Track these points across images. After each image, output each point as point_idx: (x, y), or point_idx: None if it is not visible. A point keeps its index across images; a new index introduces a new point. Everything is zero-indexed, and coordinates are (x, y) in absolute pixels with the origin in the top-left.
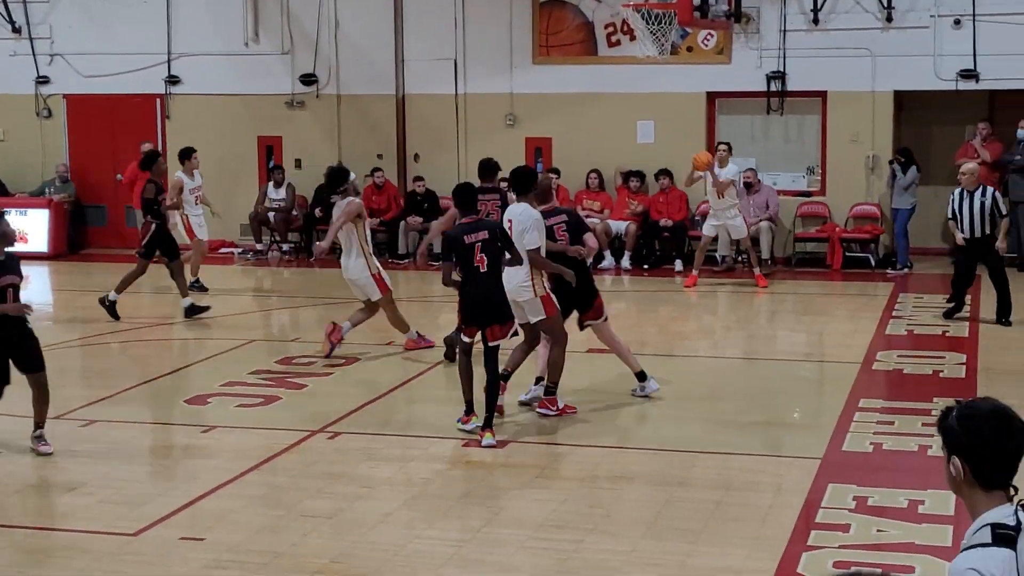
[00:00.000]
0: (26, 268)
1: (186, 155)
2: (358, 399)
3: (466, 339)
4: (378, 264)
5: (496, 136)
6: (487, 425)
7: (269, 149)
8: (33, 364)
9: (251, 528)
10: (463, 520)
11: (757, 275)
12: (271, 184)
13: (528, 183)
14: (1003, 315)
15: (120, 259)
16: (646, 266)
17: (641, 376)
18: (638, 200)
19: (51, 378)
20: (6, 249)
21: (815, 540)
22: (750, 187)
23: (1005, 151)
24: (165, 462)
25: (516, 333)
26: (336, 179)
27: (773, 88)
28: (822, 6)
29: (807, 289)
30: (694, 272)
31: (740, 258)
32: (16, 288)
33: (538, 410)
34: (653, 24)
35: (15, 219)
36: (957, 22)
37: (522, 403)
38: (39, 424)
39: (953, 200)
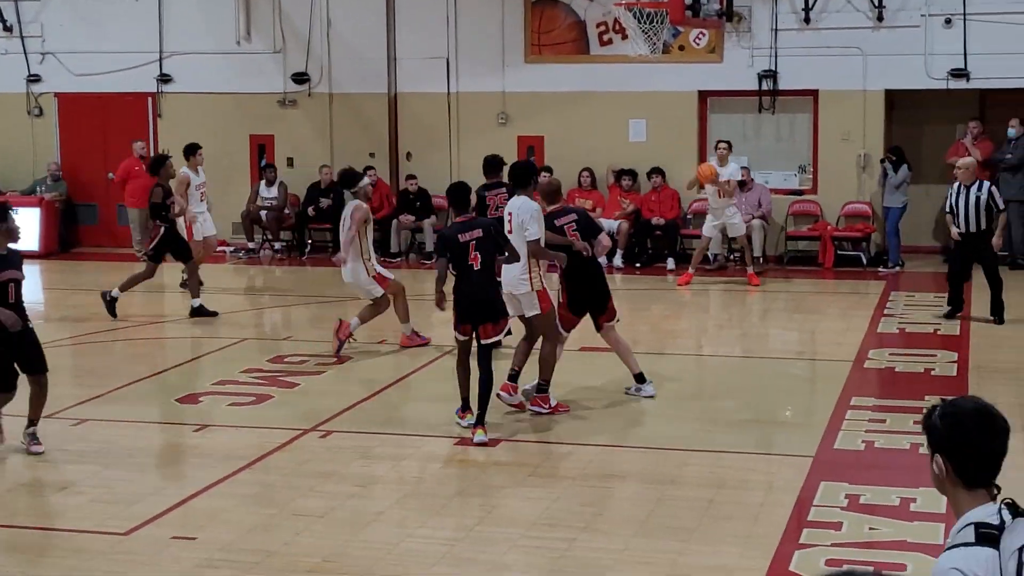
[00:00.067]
0: None
1: (191, 151)
2: (350, 397)
3: (461, 337)
4: (376, 266)
5: (488, 135)
6: (479, 422)
7: (261, 148)
8: (36, 365)
9: (243, 527)
10: (456, 518)
11: (749, 273)
12: (263, 183)
13: (527, 177)
14: (996, 313)
15: (112, 257)
16: (638, 264)
17: (639, 378)
18: (630, 199)
19: None
20: (9, 245)
21: (807, 538)
22: (743, 185)
23: (996, 150)
24: (157, 461)
25: (509, 332)
26: (350, 180)
27: (765, 87)
28: (813, 5)
29: (799, 287)
30: (690, 271)
31: (732, 256)
32: (18, 284)
33: (530, 408)
34: (645, 23)
35: None
36: (948, 21)
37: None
38: (33, 421)
39: (950, 195)
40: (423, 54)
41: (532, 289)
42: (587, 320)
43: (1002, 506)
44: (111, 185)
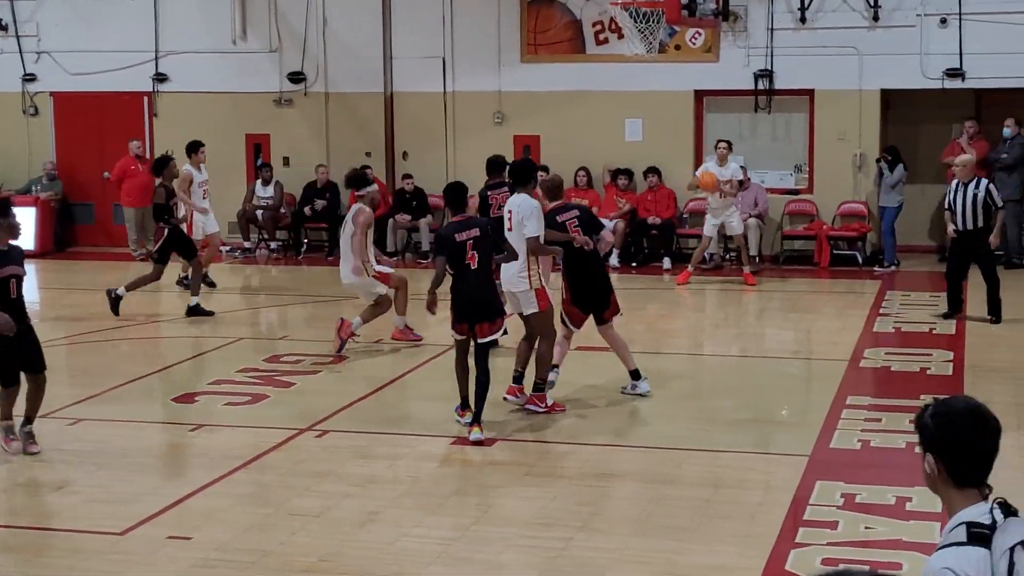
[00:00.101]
0: None
1: (193, 148)
2: (346, 397)
3: (458, 336)
4: (376, 266)
5: (484, 134)
6: (475, 421)
7: (257, 147)
8: (34, 364)
9: (239, 527)
10: (452, 518)
11: (745, 273)
12: (259, 182)
13: (526, 175)
14: (993, 312)
15: (108, 257)
16: (634, 264)
17: (635, 375)
18: (626, 198)
19: None
20: (10, 242)
21: (803, 537)
22: (741, 184)
23: (991, 149)
24: (152, 461)
25: (506, 332)
26: (360, 181)
27: (761, 86)
28: (809, 5)
29: (795, 287)
30: (689, 269)
31: (728, 256)
32: (19, 279)
33: (526, 407)
34: (641, 22)
35: None
36: (943, 21)
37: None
38: (29, 419)
39: (949, 192)
40: (419, 53)
41: (530, 287)
42: (587, 320)
43: (994, 505)
44: (107, 184)
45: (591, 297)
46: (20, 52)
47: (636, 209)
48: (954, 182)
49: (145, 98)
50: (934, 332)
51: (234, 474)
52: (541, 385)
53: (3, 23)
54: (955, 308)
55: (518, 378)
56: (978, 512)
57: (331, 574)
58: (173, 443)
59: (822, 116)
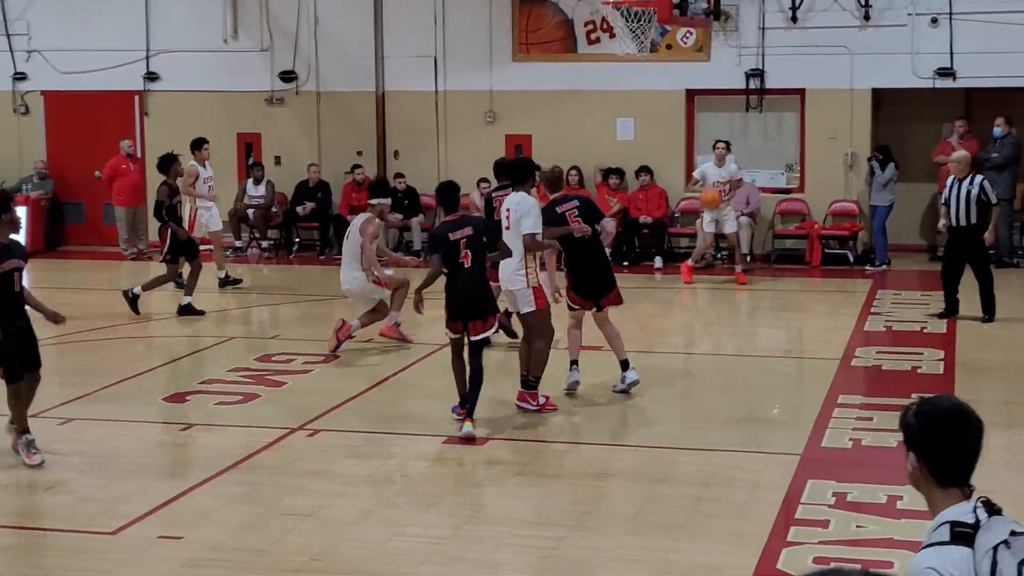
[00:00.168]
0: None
1: (197, 145)
2: (338, 396)
3: (453, 335)
4: (375, 272)
5: (476, 133)
6: (468, 415)
7: (248, 146)
8: (32, 362)
9: (231, 526)
10: (445, 517)
11: (737, 272)
12: (250, 181)
13: (524, 174)
14: (987, 311)
15: (98, 256)
16: (626, 263)
17: (624, 365)
18: (617, 197)
19: None
20: (11, 236)
21: (795, 536)
22: (739, 182)
23: (981, 148)
24: (144, 460)
25: (498, 330)
26: (374, 190)
27: (752, 86)
28: (800, 4)
29: (786, 286)
30: (690, 263)
31: (720, 255)
32: (21, 272)
33: (517, 403)
34: (633, 21)
35: None
36: (934, 20)
37: (569, 391)
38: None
39: (946, 187)
40: (411, 52)
41: (527, 286)
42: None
43: (978, 504)
44: (98, 183)
45: (591, 285)
46: (11, 51)
47: (628, 208)
48: (950, 178)
49: (136, 97)
50: (925, 331)
51: (225, 473)
52: (534, 383)
53: None
54: (951, 308)
55: (525, 382)
56: (961, 511)
57: (324, 573)
58: (164, 442)
59: (813, 115)
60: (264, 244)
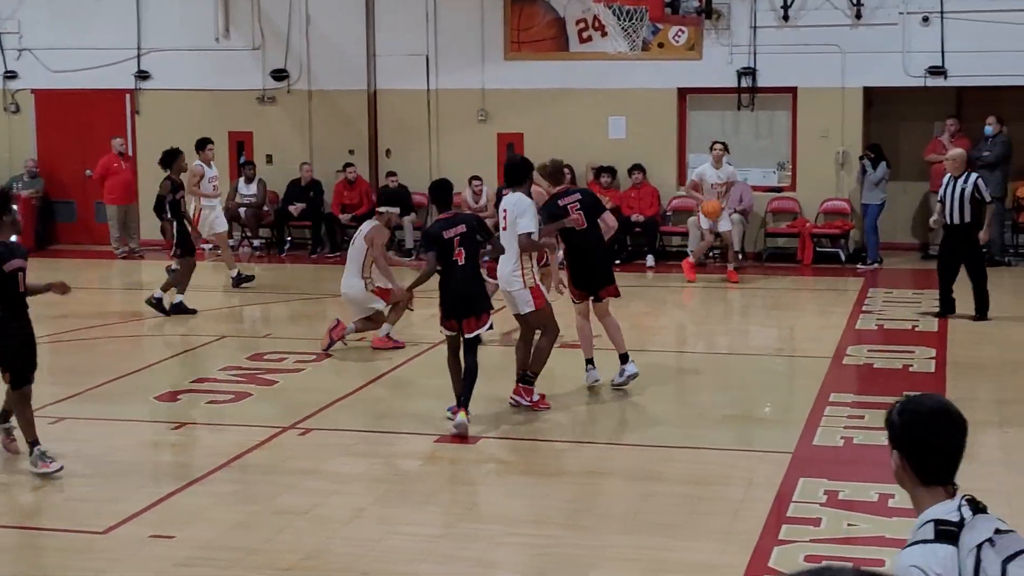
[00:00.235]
0: None
1: (201, 145)
2: (330, 395)
3: (448, 332)
4: (376, 281)
5: (468, 131)
6: (463, 405)
7: (240, 145)
8: (33, 365)
9: (223, 525)
10: (438, 515)
11: (729, 270)
12: (242, 180)
13: (521, 174)
14: (980, 311)
15: (90, 255)
16: (618, 261)
17: (623, 359)
18: (609, 196)
19: None
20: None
21: (786, 534)
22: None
23: (973, 147)
24: (135, 459)
25: (491, 327)
26: (383, 199)
27: (744, 84)
28: (792, 3)
29: (778, 284)
30: (691, 260)
31: (712, 253)
32: (24, 272)
33: (512, 396)
34: (624, 20)
35: None
36: (925, 19)
37: (591, 387)
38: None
39: (942, 185)
40: (403, 51)
41: (525, 286)
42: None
43: (962, 502)
44: (89, 182)
45: (591, 279)
46: (1, 49)
47: (620, 207)
48: (946, 176)
49: (127, 96)
50: (917, 329)
51: (217, 472)
52: (531, 378)
53: None
54: (948, 307)
55: (527, 380)
56: (946, 509)
57: (317, 572)
58: (156, 441)
59: (805, 114)
60: (256, 243)
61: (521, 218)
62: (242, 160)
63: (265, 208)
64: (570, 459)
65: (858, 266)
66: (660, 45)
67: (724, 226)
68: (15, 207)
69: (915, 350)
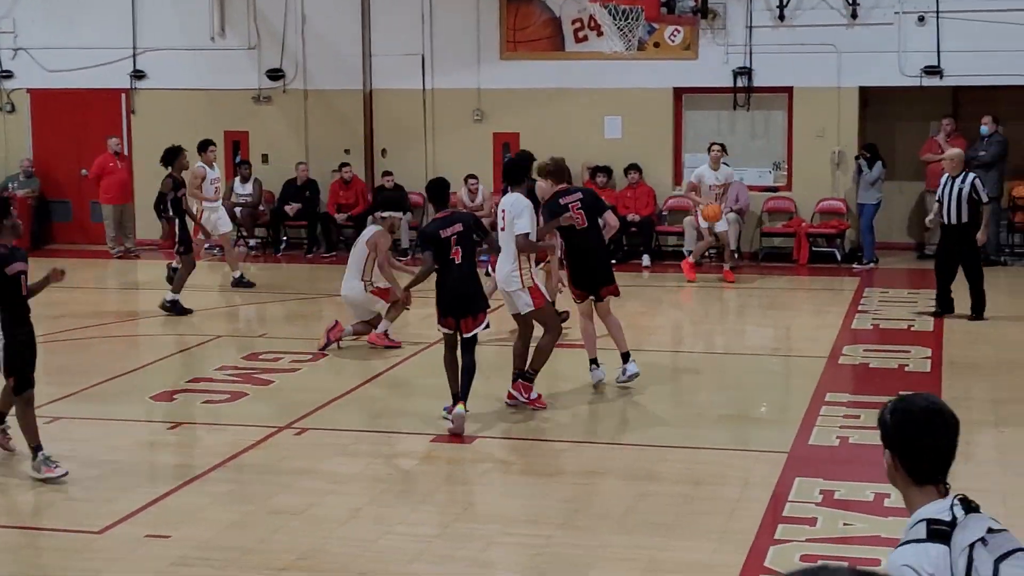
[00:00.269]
0: None
1: (203, 147)
2: (326, 395)
3: (446, 330)
4: (377, 283)
5: (464, 131)
6: (461, 399)
7: (235, 144)
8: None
9: (219, 525)
10: (434, 515)
11: (725, 270)
12: (237, 179)
13: (519, 174)
14: (976, 311)
15: (85, 255)
16: (613, 261)
17: (625, 357)
18: (605, 195)
19: None
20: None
21: (782, 534)
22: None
23: (969, 147)
24: (131, 459)
25: (488, 326)
26: (384, 204)
27: (739, 84)
28: (787, 3)
29: (774, 284)
30: (691, 261)
31: (708, 253)
32: (25, 275)
33: (510, 390)
34: (620, 20)
35: None
36: (921, 19)
37: (596, 386)
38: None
39: (940, 184)
40: (398, 50)
41: (523, 286)
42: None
43: (955, 502)
44: (84, 182)
45: (590, 278)
46: None
47: (616, 206)
48: (944, 175)
49: (123, 95)
50: (912, 329)
51: (213, 472)
52: (532, 376)
53: None
54: (946, 307)
55: (528, 377)
56: (938, 509)
57: (312, 572)
58: (152, 441)
59: (801, 113)
60: (251, 242)
61: (518, 219)
62: (238, 159)
63: (261, 208)
64: (567, 459)
65: (854, 266)
66: (656, 45)
67: (720, 226)
68: (15, 211)
69: (911, 350)
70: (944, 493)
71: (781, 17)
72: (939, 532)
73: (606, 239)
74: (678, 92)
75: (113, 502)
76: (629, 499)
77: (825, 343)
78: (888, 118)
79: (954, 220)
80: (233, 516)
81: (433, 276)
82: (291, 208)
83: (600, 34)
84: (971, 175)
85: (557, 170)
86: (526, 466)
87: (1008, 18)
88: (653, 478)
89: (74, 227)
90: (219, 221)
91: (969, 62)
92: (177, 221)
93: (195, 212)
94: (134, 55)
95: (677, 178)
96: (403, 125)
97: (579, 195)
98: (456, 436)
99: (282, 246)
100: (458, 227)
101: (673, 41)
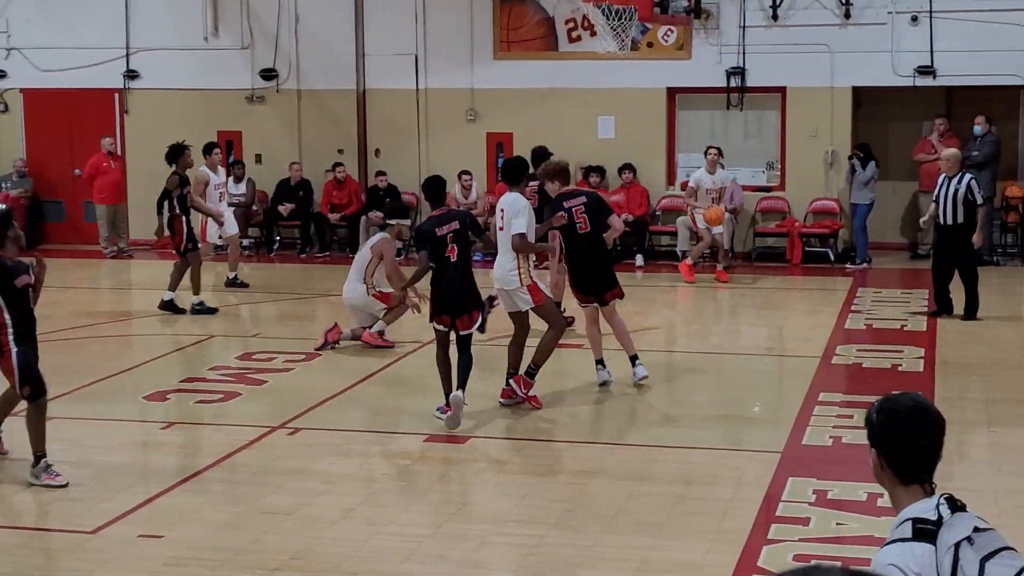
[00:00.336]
0: None
1: (207, 150)
2: (319, 394)
3: (439, 327)
4: (377, 287)
5: (457, 131)
6: (460, 387)
7: (229, 144)
8: None
9: (211, 525)
10: (426, 515)
11: (718, 270)
12: (231, 179)
13: (518, 174)
14: (969, 312)
15: (79, 255)
16: None
17: (633, 360)
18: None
19: None
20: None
21: (775, 533)
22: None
23: (962, 147)
24: (123, 459)
25: (483, 326)
26: (391, 212)
27: (733, 84)
28: (781, 3)
29: (767, 284)
30: (689, 262)
31: (703, 253)
32: (31, 288)
33: (504, 389)
34: (614, 20)
35: None
36: (914, 19)
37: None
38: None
39: (937, 184)
40: (392, 50)
41: (521, 284)
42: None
43: (941, 501)
44: (78, 182)
45: (591, 282)
46: None
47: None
48: (941, 176)
49: (116, 95)
50: (906, 329)
51: (206, 472)
52: (533, 372)
53: None
54: (944, 307)
55: (530, 373)
56: (924, 508)
57: (304, 572)
58: (145, 441)
59: (794, 113)
60: (245, 242)
61: (516, 219)
62: (231, 159)
63: (254, 208)
64: (560, 458)
65: (847, 266)
66: (649, 45)
67: (718, 228)
68: (17, 223)
69: (904, 350)
70: (930, 492)
71: (774, 17)
72: (925, 531)
73: (608, 241)
74: (671, 92)
75: (106, 502)
76: (622, 499)
77: (818, 343)
78: (881, 118)
79: (950, 221)
80: (226, 516)
81: (429, 274)
82: (284, 208)
83: (593, 34)
84: (967, 176)
85: (557, 171)
86: (519, 466)
87: (1001, 18)
88: (646, 478)
89: (67, 227)
90: (227, 224)
91: (962, 62)
92: (184, 218)
93: (204, 213)
94: (127, 55)
95: (670, 178)
96: (396, 125)
97: (583, 199)
98: (451, 430)
99: (275, 246)
100: (454, 225)
101: (666, 41)
